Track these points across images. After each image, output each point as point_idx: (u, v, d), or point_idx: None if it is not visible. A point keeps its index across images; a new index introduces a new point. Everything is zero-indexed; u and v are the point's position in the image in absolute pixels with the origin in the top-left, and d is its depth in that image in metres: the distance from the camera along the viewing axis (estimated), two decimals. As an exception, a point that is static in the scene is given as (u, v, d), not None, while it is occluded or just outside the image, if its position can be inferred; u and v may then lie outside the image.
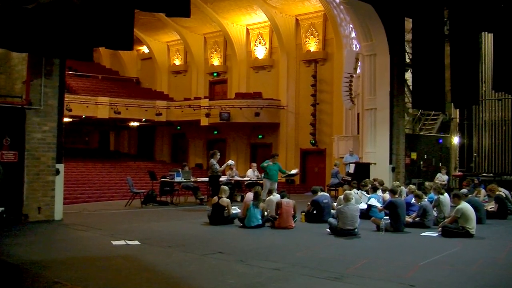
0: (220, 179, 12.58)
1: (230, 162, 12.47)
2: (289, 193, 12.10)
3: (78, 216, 10.92)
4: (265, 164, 13.03)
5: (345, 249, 7.35)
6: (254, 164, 15.89)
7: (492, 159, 16.39)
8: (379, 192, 10.72)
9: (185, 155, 25.49)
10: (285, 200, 9.37)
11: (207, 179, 13.02)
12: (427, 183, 11.04)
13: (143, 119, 23.09)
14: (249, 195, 10.09)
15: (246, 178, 15.39)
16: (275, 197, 10.06)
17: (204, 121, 22.23)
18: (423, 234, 8.57)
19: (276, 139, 22.41)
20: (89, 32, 6.68)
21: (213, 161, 11.81)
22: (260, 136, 22.90)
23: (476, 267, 6.01)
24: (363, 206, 10.29)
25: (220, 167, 11.95)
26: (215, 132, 24.16)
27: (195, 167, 23.77)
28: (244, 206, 9.66)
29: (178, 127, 25.00)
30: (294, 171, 13.82)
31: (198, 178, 14.67)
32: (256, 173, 15.52)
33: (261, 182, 14.53)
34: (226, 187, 9.93)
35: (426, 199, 9.64)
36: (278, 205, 9.29)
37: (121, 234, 8.31)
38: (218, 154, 12.01)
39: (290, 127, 21.88)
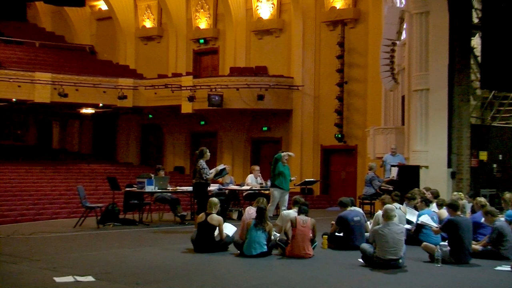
0: (209, 188, 12.66)
1: (222, 166, 12.47)
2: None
3: (7, 242, 10.93)
4: (277, 168, 12.98)
5: (386, 287, 7.31)
6: (257, 168, 15.98)
7: None
8: (433, 207, 10.70)
9: (160, 155, 25.59)
10: (301, 218, 9.38)
11: (191, 188, 13.02)
12: (507, 195, 10.60)
13: (100, 104, 23.17)
14: (250, 211, 10.21)
15: (245, 187, 15.45)
16: (290, 213, 10.11)
17: (187, 107, 22.31)
18: (497, 268, 8.52)
19: (288, 132, 22.49)
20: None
21: (202, 163, 11.83)
22: (265, 128, 22.98)
23: None
24: (410, 226, 10.30)
25: (212, 170, 12.07)
26: (202, 123, 24.22)
27: (174, 172, 23.86)
28: (242, 226, 9.75)
29: (150, 116, 25.07)
30: (293, 178, 13.95)
31: (178, 187, 14.78)
32: (260, 179, 15.56)
33: (267, 192, 14.60)
34: (216, 200, 9.95)
35: (502, 218, 9.58)
36: (292, 224, 9.29)
37: (68, 266, 8.37)
38: (208, 153, 12.02)
39: (307, 115, 21.93)
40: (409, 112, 15.35)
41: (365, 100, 20.54)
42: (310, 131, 21.81)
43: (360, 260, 8.74)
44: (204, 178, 11.77)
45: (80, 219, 13.45)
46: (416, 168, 14.38)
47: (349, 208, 10.17)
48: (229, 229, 9.97)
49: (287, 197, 13.41)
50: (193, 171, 12.17)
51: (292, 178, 13.78)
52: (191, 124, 24.54)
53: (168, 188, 14.03)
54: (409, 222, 10.64)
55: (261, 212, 9.47)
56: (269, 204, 13.29)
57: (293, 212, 9.98)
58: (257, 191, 15.30)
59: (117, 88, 22.68)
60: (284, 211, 10.58)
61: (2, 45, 24.35)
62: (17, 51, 24.28)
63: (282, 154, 13.32)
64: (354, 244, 9.69)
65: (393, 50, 16.43)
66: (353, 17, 20.91)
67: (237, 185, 16.17)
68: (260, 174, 15.78)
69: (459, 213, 9.10)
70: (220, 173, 12.93)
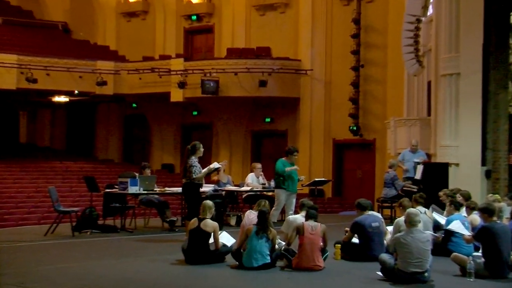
0: (202, 189, 12.65)
1: (216, 165, 12.42)
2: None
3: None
4: (281, 168, 13.04)
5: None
6: (258, 165, 15.97)
7: None
8: (464, 212, 10.67)
9: (145, 151, 25.66)
10: (309, 224, 9.37)
11: (181, 189, 13.03)
12: None
13: (76, 92, 23.22)
14: (250, 216, 10.22)
15: (245, 188, 15.46)
16: (297, 218, 10.12)
17: (177, 95, 22.36)
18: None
19: (294, 124, 22.54)
20: None
21: (193, 159, 11.82)
22: (267, 120, 23.05)
23: None
24: (436, 234, 10.30)
25: (204, 169, 12.01)
26: (195, 113, 24.28)
27: (161, 170, 23.93)
28: (241, 234, 9.75)
29: (134, 105, 25.13)
30: (301, 178, 13.90)
31: (167, 188, 14.76)
32: (262, 179, 15.59)
33: (271, 194, 14.60)
34: (211, 203, 9.94)
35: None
36: (298, 231, 9.28)
37: (38, 282, 8.34)
38: (202, 148, 12.03)
39: (316, 104, 21.96)
40: (437, 101, 15.32)
41: (385, 87, 20.54)
42: (321, 122, 21.85)
43: (379, 273, 8.71)
44: (196, 177, 11.71)
45: (52, 226, 13.41)
46: (445, 166, 14.34)
47: (367, 213, 10.15)
48: (226, 239, 9.98)
49: (294, 199, 13.38)
50: (183, 169, 12.14)
51: (300, 178, 13.73)
52: (182, 115, 24.57)
53: (155, 189, 14.00)
54: (438, 228, 10.62)
55: (263, 216, 9.43)
56: (273, 208, 13.23)
57: (300, 217, 9.98)
58: (258, 193, 15.28)
59: (95, 72, 22.66)
60: (291, 216, 10.56)
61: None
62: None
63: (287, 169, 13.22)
64: (372, 254, 9.67)
65: (417, 28, 16.39)
66: (370, -11, 21.02)
67: (235, 185, 16.14)
68: (262, 173, 15.76)
69: (495, 218, 9.05)
70: (214, 171, 12.84)
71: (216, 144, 23.75)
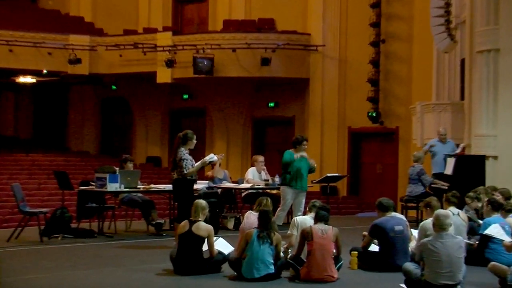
0: (196, 186, 12.67)
1: (213, 157, 12.38)
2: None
3: None
4: (287, 158, 13.04)
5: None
6: (261, 159, 16.00)
7: None
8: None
9: (127, 142, 25.71)
10: (319, 227, 9.37)
11: (170, 186, 13.04)
12: None
13: (44, 71, 23.21)
14: (250, 217, 10.28)
15: (244, 185, 15.49)
16: (306, 219, 10.11)
17: (164, 75, 22.37)
18: None
19: (303, 109, 22.58)
20: None
21: (183, 151, 11.80)
22: (271, 104, 23.06)
23: None
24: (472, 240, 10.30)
25: (198, 162, 12.01)
26: (186, 97, 24.30)
27: (146, 164, 24.02)
28: (241, 239, 9.76)
29: (114, 87, 25.12)
30: (311, 162, 13.82)
31: (152, 186, 14.79)
32: (265, 174, 15.61)
33: (275, 192, 14.68)
34: (204, 203, 9.96)
35: None
36: (306, 236, 9.27)
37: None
38: (194, 139, 12.03)
39: (329, 86, 21.96)
40: (471, 82, 15.29)
41: (410, 66, 20.52)
42: (334, 108, 21.85)
43: (403, 285, 8.73)
44: (187, 172, 11.70)
45: (16, 230, 13.42)
46: (481, 159, 14.34)
47: (389, 214, 10.14)
48: (223, 247, 10.01)
49: (303, 199, 13.37)
50: (172, 162, 12.12)
51: (310, 163, 13.62)
52: (170, 99, 24.58)
53: (138, 187, 14.03)
54: (473, 232, 10.58)
55: (265, 218, 9.47)
56: (279, 209, 13.34)
57: (310, 219, 9.99)
58: (260, 191, 15.31)
59: (67, 48, 22.64)
60: (299, 217, 10.52)
61: None
62: None
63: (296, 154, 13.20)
64: (394, 263, 9.69)
65: (449, -3, 16.38)
66: (393, -51, 21.02)
67: (233, 182, 16.10)
68: (265, 167, 15.78)
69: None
70: (208, 164, 12.79)
71: (210, 133, 23.76)
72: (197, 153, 12.98)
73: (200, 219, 9.67)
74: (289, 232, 10.24)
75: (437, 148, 15.85)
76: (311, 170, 13.70)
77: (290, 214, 14.12)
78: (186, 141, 11.93)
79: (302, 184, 13.33)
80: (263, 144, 23.39)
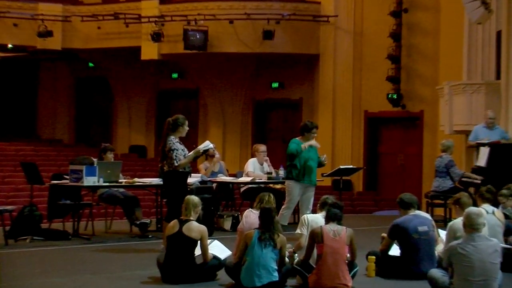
0: (189, 180, 12.64)
1: (208, 145, 12.34)
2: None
3: None
4: (294, 148, 13.07)
5: None
6: (262, 148, 15.99)
7: None
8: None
9: (106, 129, 25.74)
10: (330, 228, 9.35)
11: (158, 180, 13.01)
12: None
13: (9, 46, 23.25)
14: (250, 216, 10.30)
15: (243, 179, 15.54)
16: (318, 217, 10.09)
17: (150, 51, 22.40)
18: None
19: (311, 90, 22.61)
20: None
21: (173, 140, 11.82)
22: (275, 85, 23.08)
23: None
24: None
25: (191, 152, 11.97)
26: (175, 76, 24.28)
27: (129, 155, 24.07)
28: (239, 241, 9.82)
29: (91, 65, 25.10)
30: (322, 157, 13.84)
31: (136, 179, 14.79)
32: (267, 167, 15.68)
33: (279, 187, 14.75)
34: (197, 199, 9.93)
35: None
36: (316, 237, 9.30)
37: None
38: (186, 125, 12.01)
39: (342, 64, 21.98)
40: (509, 58, 15.24)
41: (437, 39, 20.48)
42: (348, 89, 21.86)
43: (429, 296, 8.75)
44: (173, 165, 11.67)
45: (-21, 231, 13.42)
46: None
47: (412, 212, 10.14)
48: (219, 251, 10.01)
49: (312, 195, 13.38)
50: (161, 151, 12.07)
51: (321, 158, 13.64)
52: (157, 79, 24.63)
53: (120, 181, 13.98)
54: (511, 233, 10.61)
55: (268, 217, 9.40)
56: (283, 206, 13.33)
57: (321, 218, 9.93)
58: (262, 185, 15.33)
59: (35, 19, 22.61)
60: (309, 215, 10.49)
61: None
62: None
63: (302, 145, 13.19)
64: (418, 269, 9.68)
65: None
66: None
67: (231, 175, 16.08)
68: (267, 158, 15.79)
69: None
70: (203, 154, 12.71)
71: (204, 119, 23.81)
72: (188, 141, 12.99)
73: (192, 218, 9.60)
74: (297, 231, 10.17)
75: (483, 135, 15.45)
76: (320, 164, 13.72)
77: (297, 212, 14.15)
78: (176, 128, 11.87)
79: (311, 177, 13.26)
80: (265, 131, 23.42)
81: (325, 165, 14.02)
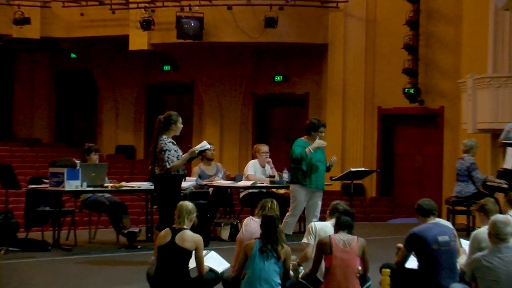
0: (183, 184, 12.64)
1: (205, 145, 12.33)
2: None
3: None
4: (297, 154, 13.01)
5: None
6: (264, 149, 16.00)
7: None
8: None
9: (90, 127, 25.77)
10: (340, 237, 9.35)
11: (148, 184, 13.03)
12: None
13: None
14: (251, 225, 10.33)
15: (243, 183, 15.54)
16: (327, 226, 10.09)
17: (140, 40, 22.40)
18: None
19: (319, 84, 22.66)
20: None
21: (166, 140, 11.83)
22: (278, 78, 23.12)
23: None
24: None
25: (185, 154, 11.97)
26: (167, 68, 24.32)
27: (116, 156, 24.14)
28: (239, 253, 9.83)
29: (73, 55, 25.17)
30: (332, 159, 13.88)
31: (124, 183, 14.74)
32: (270, 170, 15.70)
33: (283, 192, 14.78)
34: (191, 205, 9.87)
35: None
36: (324, 248, 9.28)
37: None
38: (179, 122, 12.00)
39: (353, 55, 22.01)
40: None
41: (459, 27, 20.48)
42: (360, 82, 21.88)
43: (449, 312, 8.73)
44: (166, 168, 11.66)
45: None
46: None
47: (431, 220, 10.12)
48: (215, 263, 10.00)
49: (319, 201, 13.36)
50: (151, 153, 12.05)
51: (331, 161, 13.64)
52: (147, 71, 24.69)
53: (106, 185, 14.00)
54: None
55: (270, 225, 9.40)
56: (288, 213, 13.40)
57: (330, 226, 9.91)
58: (264, 190, 15.37)
59: (11, 4, 22.57)
60: (316, 223, 10.46)
61: None
62: None
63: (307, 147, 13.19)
64: (438, 283, 9.59)
65: None
66: None
67: (230, 179, 16.15)
68: (270, 160, 15.82)
69: None
70: (199, 155, 12.68)
71: (198, 115, 23.86)
72: (182, 141, 12.96)
73: (185, 226, 9.54)
74: (303, 240, 10.12)
75: None
76: (327, 168, 13.71)
77: (302, 220, 14.19)
78: (168, 126, 11.87)
79: (318, 181, 13.33)
80: (268, 129, 23.47)
81: (331, 168, 14.04)
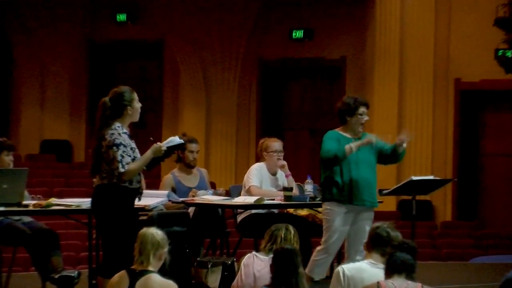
0: (143, 201, 13.01)
1: (174, 140, 12.52)
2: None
3: None
4: (331, 151, 12.95)
5: None
6: (276, 145, 16.13)
7: None
8: None
9: (2, 114, 26.40)
10: (396, 284, 9.08)
11: (89, 201, 13.14)
12: None
13: None
14: (254, 266, 11.26)
15: (242, 199, 15.52)
16: (364, 269, 9.96)
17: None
18: None
19: (362, 45, 23.24)
20: None
21: (118, 131, 11.83)
22: (296, 35, 23.33)
23: None
24: None
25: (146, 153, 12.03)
26: (122, 19, 24.83)
27: (41, 156, 24.93)
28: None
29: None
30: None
31: (54, 200, 14.67)
32: (284, 178, 15.95)
33: (306, 214, 15.11)
34: (160, 235, 9.89)
35: None
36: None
37: None
38: (137, 103, 11.97)
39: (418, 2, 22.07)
40: None
41: None
42: (426, 42, 22.12)
43: None
44: (116, 173, 11.54)
45: None
46: None
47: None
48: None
49: (369, 225, 13.14)
50: (93, 154, 11.94)
51: (401, 139, 13.36)
52: (91, 24, 25.18)
53: (25, 203, 13.87)
54: None
55: (287, 266, 9.60)
56: (318, 248, 13.53)
57: (369, 267, 10.02)
58: (275, 211, 15.64)
59: None
60: (347, 266, 10.32)
61: None
62: None
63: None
64: None
65: None
66: None
67: (219, 193, 15.88)
68: (284, 163, 15.80)
69: None
70: (168, 155, 12.60)
71: (172, 94, 24.00)
72: (144, 135, 12.75)
73: (151, 268, 9.64)
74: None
75: None
76: (393, 155, 13.44)
77: (340, 257, 14.14)
78: (121, 110, 11.91)
79: (364, 195, 13.24)
80: (281, 115, 23.61)
81: (401, 157, 13.83)
